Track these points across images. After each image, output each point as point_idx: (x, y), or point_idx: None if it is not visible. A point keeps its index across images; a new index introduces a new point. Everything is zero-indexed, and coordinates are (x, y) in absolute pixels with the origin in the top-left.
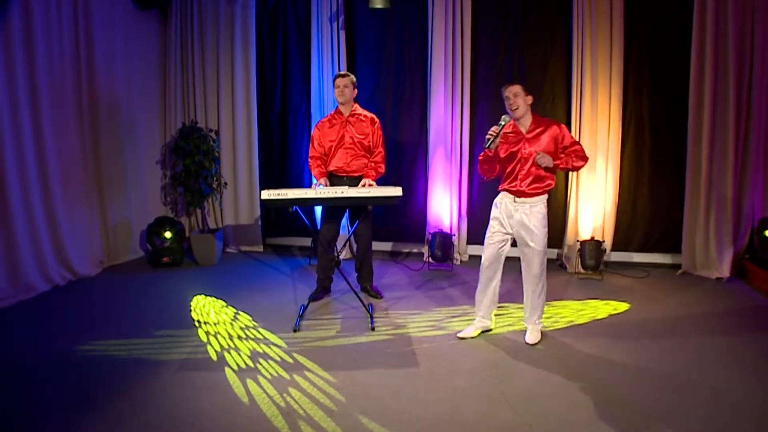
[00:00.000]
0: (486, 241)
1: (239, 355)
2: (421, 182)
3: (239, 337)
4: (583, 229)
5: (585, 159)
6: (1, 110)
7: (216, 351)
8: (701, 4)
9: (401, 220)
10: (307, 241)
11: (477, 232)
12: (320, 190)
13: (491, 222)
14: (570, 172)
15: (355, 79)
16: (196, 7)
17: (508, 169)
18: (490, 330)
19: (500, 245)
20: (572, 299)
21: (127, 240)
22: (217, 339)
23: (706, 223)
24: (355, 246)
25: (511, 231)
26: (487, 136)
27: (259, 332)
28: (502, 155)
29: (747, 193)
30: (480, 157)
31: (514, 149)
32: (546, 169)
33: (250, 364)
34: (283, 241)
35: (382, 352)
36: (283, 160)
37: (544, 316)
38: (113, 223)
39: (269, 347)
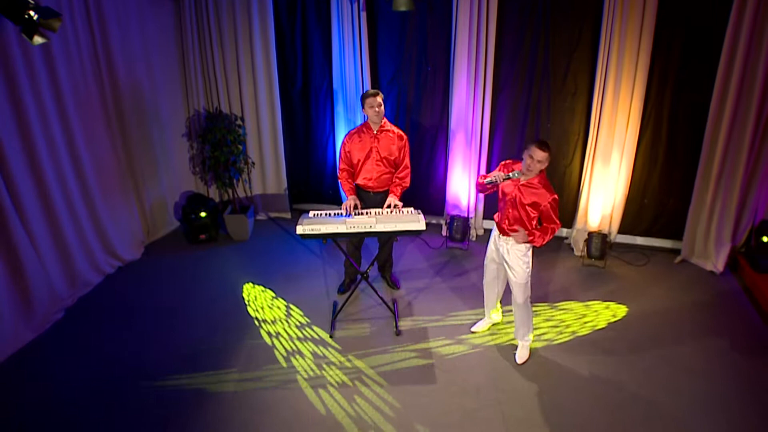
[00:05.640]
0: (485, 263)
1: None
2: (441, 162)
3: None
4: (593, 215)
5: (547, 238)
6: (32, 121)
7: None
8: (739, 10)
9: (422, 194)
10: (331, 209)
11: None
12: (351, 222)
13: (488, 248)
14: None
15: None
16: None
17: (500, 204)
18: (499, 322)
19: (496, 269)
20: (576, 300)
21: (164, 215)
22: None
23: (709, 218)
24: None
25: (500, 259)
26: (493, 177)
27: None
28: (499, 189)
29: (753, 195)
30: (479, 180)
31: (508, 190)
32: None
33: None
34: (309, 207)
35: (406, 370)
36: (307, 135)
37: (549, 324)
38: (149, 204)
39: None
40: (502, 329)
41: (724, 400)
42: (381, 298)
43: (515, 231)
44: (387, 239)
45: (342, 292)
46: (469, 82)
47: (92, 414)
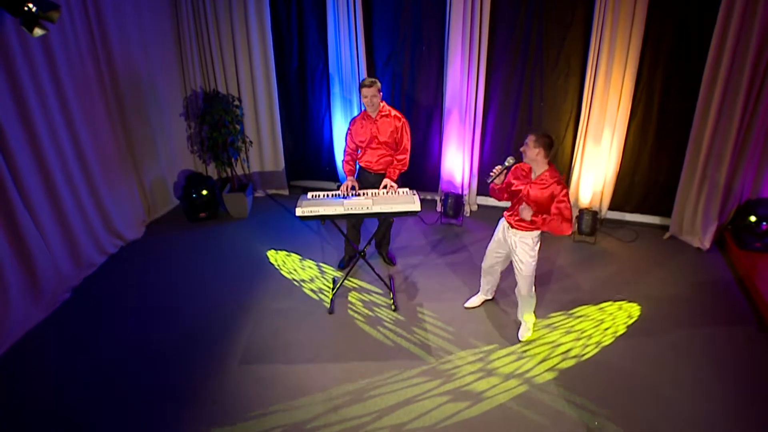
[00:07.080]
0: (489, 248)
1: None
2: (435, 139)
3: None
4: (584, 192)
5: (566, 222)
6: (33, 109)
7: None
8: None
9: (417, 171)
10: (327, 185)
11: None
12: (348, 204)
13: (493, 237)
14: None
15: (380, 85)
16: None
17: (513, 200)
18: (492, 299)
19: (497, 258)
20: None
21: (164, 194)
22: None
23: (697, 197)
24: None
25: (506, 251)
26: (491, 173)
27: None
28: (513, 188)
29: (740, 175)
30: (490, 185)
31: (518, 189)
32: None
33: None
34: (306, 184)
35: (402, 346)
36: (303, 114)
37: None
38: (150, 184)
39: None
40: (498, 314)
41: (706, 377)
42: (378, 275)
43: (529, 228)
44: (386, 218)
45: (341, 268)
46: (463, 61)
47: (104, 394)
